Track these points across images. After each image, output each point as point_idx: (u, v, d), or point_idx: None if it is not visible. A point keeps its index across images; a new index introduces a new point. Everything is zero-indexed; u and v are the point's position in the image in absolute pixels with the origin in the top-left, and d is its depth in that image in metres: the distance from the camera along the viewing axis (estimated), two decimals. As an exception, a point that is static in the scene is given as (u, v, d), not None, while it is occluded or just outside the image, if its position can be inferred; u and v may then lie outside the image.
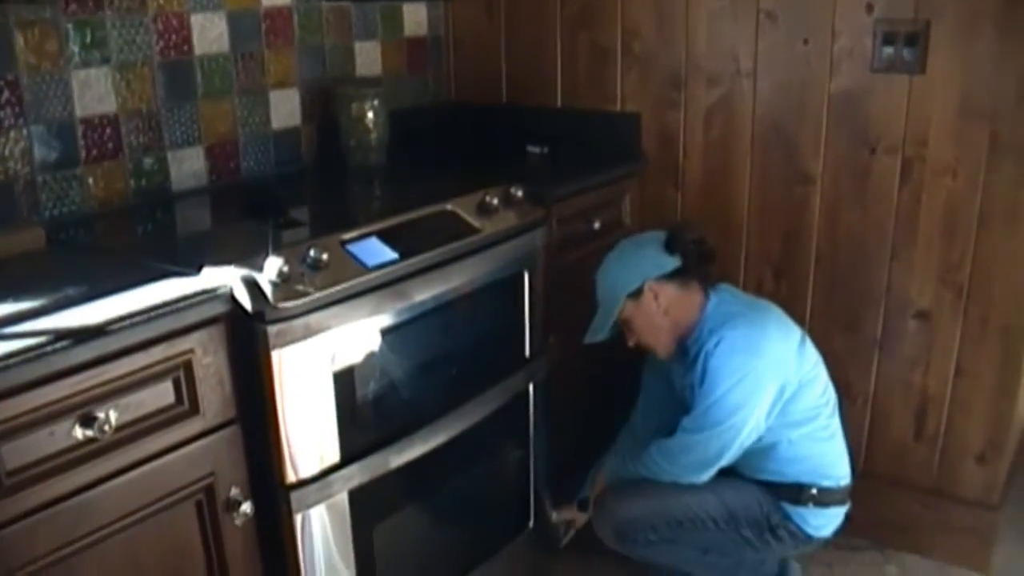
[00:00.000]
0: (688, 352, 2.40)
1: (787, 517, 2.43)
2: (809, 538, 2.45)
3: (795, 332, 2.39)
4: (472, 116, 3.26)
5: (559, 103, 3.12)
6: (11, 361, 1.44)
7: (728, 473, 2.43)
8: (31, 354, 1.46)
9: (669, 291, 2.39)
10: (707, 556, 2.53)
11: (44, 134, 2.17)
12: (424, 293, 2.06)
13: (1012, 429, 2.71)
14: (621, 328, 2.47)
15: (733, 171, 2.88)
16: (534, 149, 2.96)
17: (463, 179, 2.41)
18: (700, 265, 2.41)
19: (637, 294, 2.39)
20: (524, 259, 2.36)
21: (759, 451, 2.40)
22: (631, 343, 2.49)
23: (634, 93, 2.98)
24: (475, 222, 2.22)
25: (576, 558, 2.83)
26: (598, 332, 2.45)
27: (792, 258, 2.84)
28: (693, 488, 2.43)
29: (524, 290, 2.40)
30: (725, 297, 2.43)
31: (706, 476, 2.38)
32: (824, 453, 2.42)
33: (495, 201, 2.27)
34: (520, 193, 2.35)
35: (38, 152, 2.17)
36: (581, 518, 2.64)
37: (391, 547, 2.18)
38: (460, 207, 2.24)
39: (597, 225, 2.76)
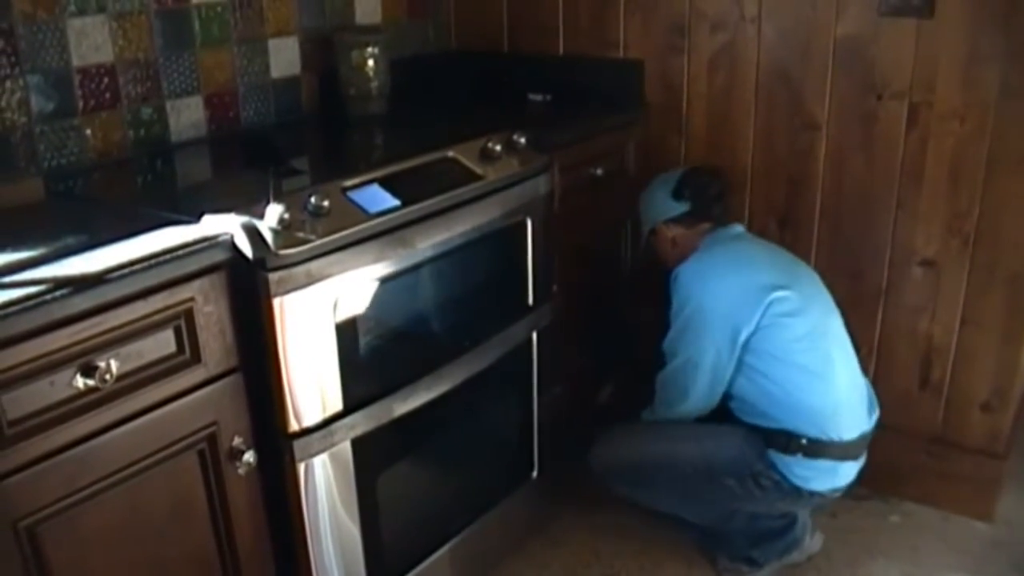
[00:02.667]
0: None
1: (771, 465, 2.43)
2: (796, 489, 2.44)
3: (767, 275, 2.44)
4: (473, 64, 3.23)
5: (561, 51, 3.09)
6: (10, 310, 1.43)
7: (726, 418, 2.52)
8: (30, 303, 1.46)
9: (677, 231, 2.61)
10: (689, 503, 2.61)
11: (41, 84, 2.15)
12: (426, 240, 2.04)
13: (1018, 378, 2.70)
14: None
15: (737, 118, 2.85)
16: (536, 97, 2.94)
17: (465, 127, 2.38)
18: (707, 208, 2.58)
19: (653, 232, 2.65)
20: (527, 206, 2.33)
21: (746, 392, 2.46)
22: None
23: (637, 40, 2.95)
24: (477, 169, 2.20)
25: (579, 506, 2.85)
26: (637, 253, 2.81)
27: (797, 206, 2.82)
28: (676, 435, 2.56)
29: (527, 237, 2.37)
30: (721, 236, 2.57)
31: (690, 409, 2.53)
32: (816, 403, 2.40)
33: (497, 148, 2.25)
34: (523, 140, 2.32)
35: (35, 102, 2.14)
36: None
37: (395, 496, 2.18)
38: (462, 154, 2.22)
39: (600, 172, 2.74)
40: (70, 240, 1.70)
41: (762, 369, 2.41)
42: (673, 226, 2.60)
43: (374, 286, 1.97)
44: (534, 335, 2.48)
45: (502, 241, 2.33)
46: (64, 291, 1.49)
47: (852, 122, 2.67)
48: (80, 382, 1.55)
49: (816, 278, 2.54)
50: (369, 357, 2.02)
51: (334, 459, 1.96)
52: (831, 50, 2.64)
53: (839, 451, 2.42)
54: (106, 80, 2.27)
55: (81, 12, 2.19)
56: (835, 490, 2.50)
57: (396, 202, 1.97)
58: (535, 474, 2.66)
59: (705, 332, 2.44)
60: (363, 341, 1.99)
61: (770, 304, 2.38)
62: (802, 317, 2.40)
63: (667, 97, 2.94)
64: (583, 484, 2.72)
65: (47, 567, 1.58)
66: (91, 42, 2.22)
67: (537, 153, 2.37)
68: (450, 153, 2.21)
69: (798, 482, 2.43)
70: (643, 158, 2.94)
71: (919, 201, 2.63)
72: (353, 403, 1.97)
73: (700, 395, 2.48)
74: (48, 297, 1.47)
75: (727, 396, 2.50)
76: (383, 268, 1.97)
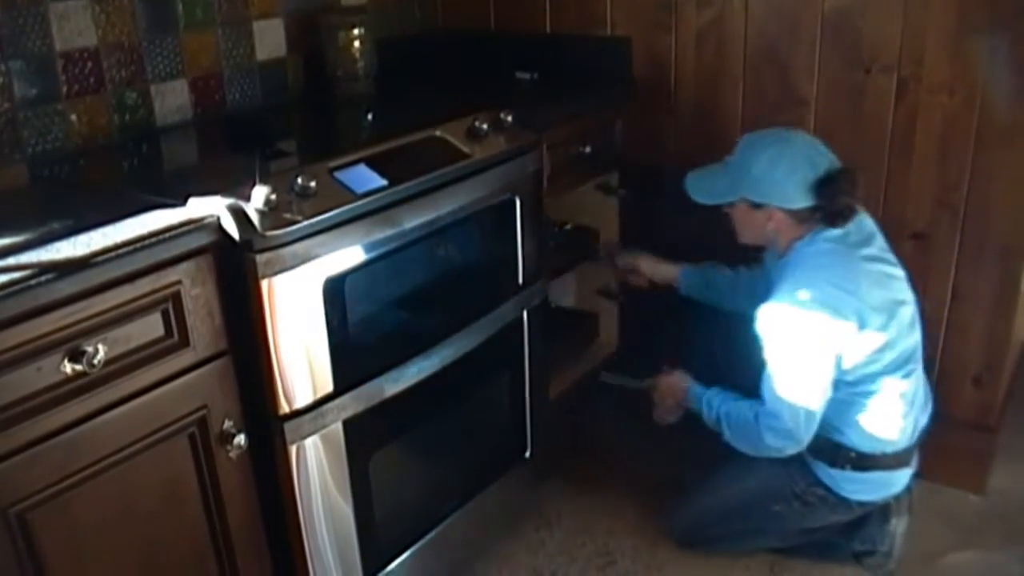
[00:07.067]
0: (780, 272, 2.35)
1: (815, 481, 2.41)
2: (845, 501, 2.41)
3: (869, 295, 2.26)
4: (460, 44, 3.21)
5: (548, 29, 3.07)
6: (-5, 295, 1.42)
7: None
8: (15, 288, 1.45)
9: (783, 220, 2.32)
10: (764, 537, 2.56)
11: (23, 69, 2.13)
12: (414, 219, 2.03)
13: (1009, 351, 2.71)
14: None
15: (725, 94, 2.84)
16: (523, 75, 2.91)
17: (452, 106, 2.37)
18: (835, 218, 2.29)
19: (756, 206, 2.33)
20: (515, 185, 2.33)
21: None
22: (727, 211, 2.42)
23: (624, 17, 2.93)
24: (464, 147, 2.19)
25: (572, 488, 2.85)
26: (703, 196, 2.41)
27: (786, 182, 2.81)
28: (721, 483, 2.55)
29: (516, 216, 2.37)
30: (826, 237, 2.31)
31: (793, 446, 2.33)
32: (869, 417, 2.34)
33: (485, 126, 2.24)
34: (510, 118, 2.31)
35: (18, 88, 2.12)
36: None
37: (387, 477, 2.18)
38: (449, 133, 2.20)
39: (588, 150, 2.73)
40: (55, 225, 1.69)
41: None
42: (784, 215, 2.30)
43: (362, 266, 1.96)
44: (525, 314, 2.48)
45: (490, 220, 2.32)
46: (50, 276, 1.48)
47: (841, 97, 2.66)
48: (68, 367, 1.55)
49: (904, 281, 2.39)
50: (359, 337, 2.02)
51: (326, 440, 1.96)
52: (819, 24, 2.63)
53: (892, 461, 2.39)
54: (90, 64, 2.25)
55: (63, -5, 2.17)
56: (887, 498, 2.47)
57: (383, 182, 1.96)
58: (528, 454, 2.66)
59: (822, 349, 2.24)
60: (352, 321, 1.99)
61: (863, 327, 2.25)
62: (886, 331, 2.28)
63: (655, 74, 2.93)
64: (576, 464, 2.72)
65: (39, 553, 1.58)
66: (73, 26, 2.20)
67: (525, 131, 2.36)
68: (437, 132, 2.20)
69: (847, 495, 2.41)
70: (631, 136, 2.93)
71: (909, 175, 2.62)
72: (344, 384, 1.97)
73: (813, 424, 2.30)
74: (34, 282, 1.47)
75: None
76: (371, 248, 1.96)
